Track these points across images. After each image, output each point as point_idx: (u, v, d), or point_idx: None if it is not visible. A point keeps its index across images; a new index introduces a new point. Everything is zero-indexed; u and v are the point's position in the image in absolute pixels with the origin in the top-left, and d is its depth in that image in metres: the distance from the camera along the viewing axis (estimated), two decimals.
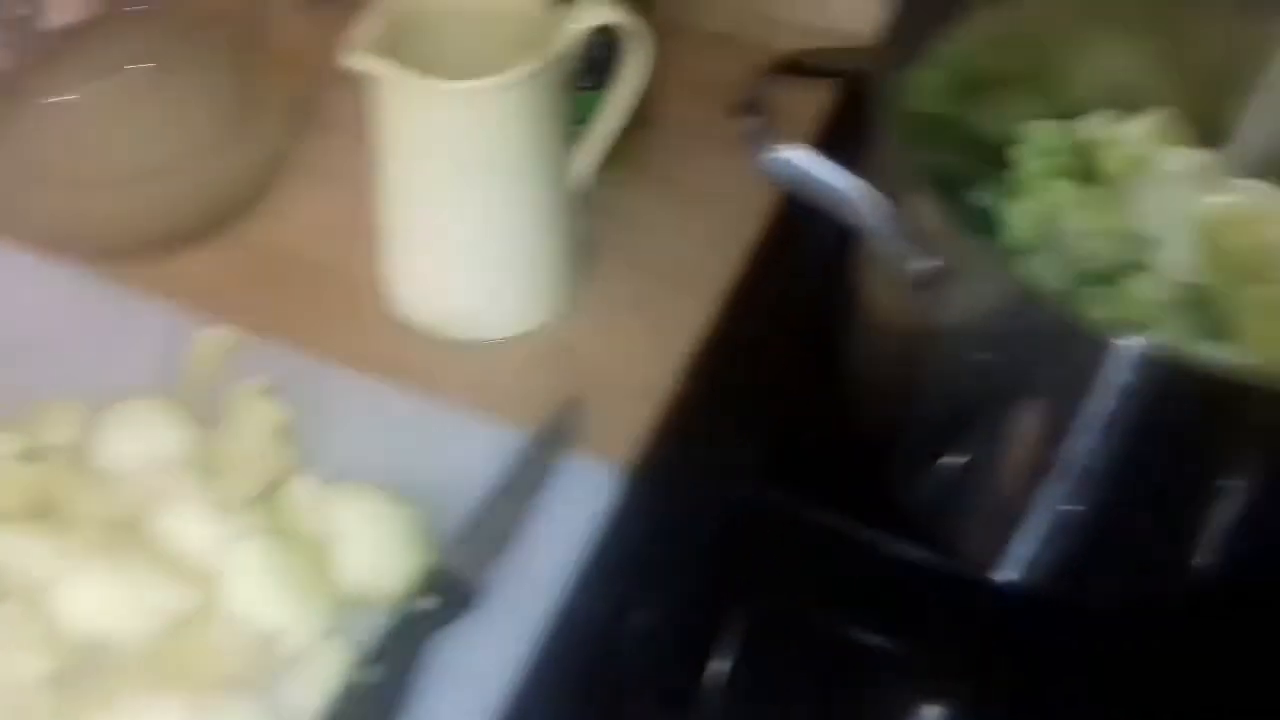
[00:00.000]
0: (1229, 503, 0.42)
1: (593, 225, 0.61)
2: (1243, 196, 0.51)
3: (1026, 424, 0.43)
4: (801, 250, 0.58)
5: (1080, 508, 0.43)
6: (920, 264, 0.40)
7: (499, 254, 0.54)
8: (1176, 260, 0.51)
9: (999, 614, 0.49)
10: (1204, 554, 0.45)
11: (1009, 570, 0.48)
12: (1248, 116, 0.54)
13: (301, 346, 0.57)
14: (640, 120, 0.64)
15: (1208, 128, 0.55)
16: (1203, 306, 0.51)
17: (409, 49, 0.50)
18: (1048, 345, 0.39)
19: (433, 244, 0.55)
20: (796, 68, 0.46)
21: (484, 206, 0.52)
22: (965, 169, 0.58)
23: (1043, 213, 0.54)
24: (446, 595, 0.49)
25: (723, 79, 0.69)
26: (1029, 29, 0.51)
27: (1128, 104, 0.56)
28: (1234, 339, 0.50)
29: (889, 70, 0.43)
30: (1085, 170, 0.56)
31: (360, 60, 0.46)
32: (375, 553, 0.49)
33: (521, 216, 0.53)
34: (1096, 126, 0.55)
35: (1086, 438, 0.40)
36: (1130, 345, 0.37)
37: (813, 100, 0.64)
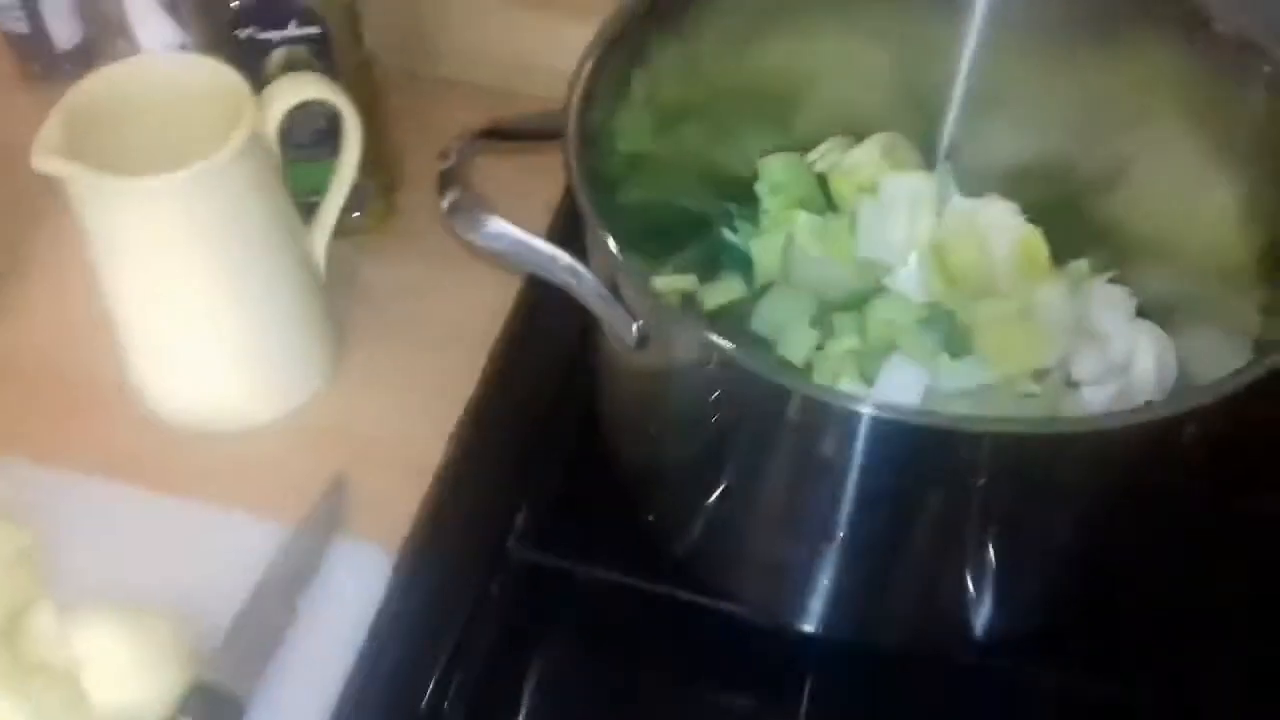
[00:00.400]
0: (980, 552, 0.43)
1: (346, 293, 0.60)
2: (964, 216, 0.53)
3: (764, 478, 0.43)
4: (558, 308, 0.57)
5: (833, 557, 0.44)
6: (632, 327, 0.40)
7: (238, 341, 0.52)
8: (911, 282, 0.53)
9: (787, 659, 0.49)
10: (978, 603, 0.45)
11: (791, 616, 0.48)
12: (959, 130, 0.57)
13: (44, 458, 0.54)
14: (391, 181, 0.63)
15: (929, 147, 0.58)
16: (942, 324, 0.53)
17: (107, 138, 0.47)
18: (758, 405, 0.39)
19: (168, 338, 0.52)
20: (496, 134, 0.45)
21: (210, 296, 0.50)
22: (715, 207, 0.59)
23: (783, 245, 0.56)
24: (212, 711, 0.47)
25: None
26: (719, 55, 0.52)
27: (857, 129, 0.58)
28: (974, 352, 0.52)
29: (580, 123, 0.43)
30: (821, 200, 0.58)
31: (46, 162, 0.44)
32: (131, 675, 0.46)
33: (254, 300, 0.51)
34: (827, 155, 0.57)
35: (816, 492, 0.41)
36: (829, 401, 0.38)
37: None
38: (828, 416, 0.37)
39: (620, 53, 0.48)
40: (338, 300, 0.59)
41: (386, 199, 0.62)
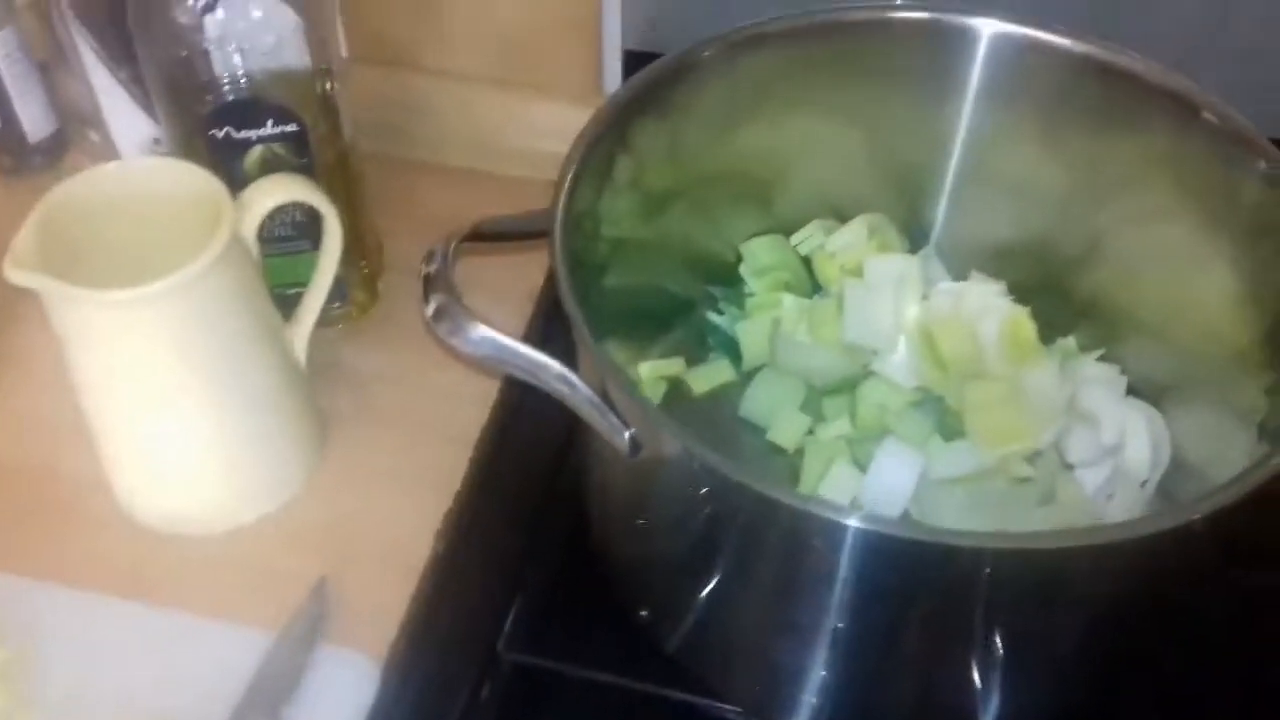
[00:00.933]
0: (976, 655, 0.42)
1: (329, 383, 0.59)
2: (951, 298, 0.53)
3: (755, 580, 0.42)
4: (546, 399, 0.57)
5: (827, 658, 0.43)
6: (625, 435, 0.39)
7: (219, 445, 0.51)
8: (900, 367, 0.53)
9: None
10: (976, 703, 0.45)
11: (785, 716, 0.47)
12: (944, 209, 0.57)
13: (22, 564, 0.52)
14: (372, 269, 0.62)
15: (914, 226, 0.58)
16: (934, 406, 0.53)
17: (83, 244, 0.47)
18: (747, 513, 0.38)
19: (146, 444, 0.51)
20: (481, 236, 0.45)
21: (189, 402, 0.49)
22: (700, 291, 0.59)
23: (769, 330, 0.55)
24: None
25: (461, 214, 0.70)
26: (702, 139, 0.52)
27: (841, 210, 0.58)
28: (965, 435, 0.52)
29: (566, 231, 0.42)
30: (806, 282, 0.58)
31: (18, 275, 0.43)
32: None
33: (234, 404, 0.50)
34: (812, 237, 0.57)
35: (808, 596, 0.40)
36: (817, 513, 0.37)
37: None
38: (816, 528, 0.36)
39: (604, 144, 0.48)
40: (320, 390, 0.58)
41: (369, 287, 0.62)
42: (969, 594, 0.39)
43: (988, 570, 0.37)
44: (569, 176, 0.44)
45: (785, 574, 0.40)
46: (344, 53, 0.71)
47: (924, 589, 0.39)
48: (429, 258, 0.43)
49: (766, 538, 0.39)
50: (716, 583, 0.44)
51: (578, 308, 0.39)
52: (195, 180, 0.47)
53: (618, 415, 0.39)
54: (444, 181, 0.70)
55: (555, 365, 0.40)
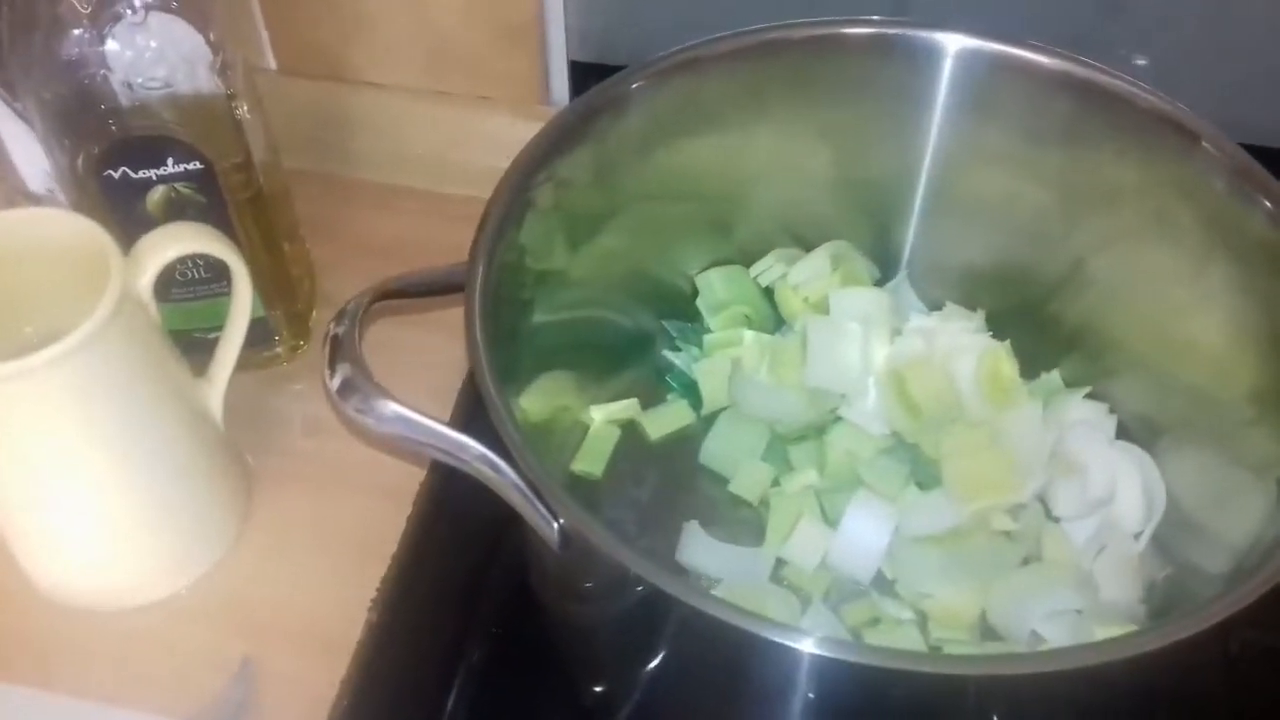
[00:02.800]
0: None
1: (254, 435, 0.54)
2: (923, 335, 0.49)
3: (701, 680, 0.38)
4: None
5: None
6: (554, 527, 0.35)
7: (128, 515, 0.46)
8: (869, 412, 0.49)
9: None
10: None
11: None
12: (915, 234, 0.52)
13: None
14: (300, 308, 0.58)
15: (883, 252, 0.53)
16: (907, 455, 0.49)
17: None
18: (683, 621, 0.34)
19: (47, 518, 0.46)
20: (395, 294, 0.40)
21: (89, 472, 0.44)
22: (654, 326, 0.54)
23: (729, 370, 0.51)
24: None
25: (402, 239, 0.65)
26: (640, 160, 0.47)
27: (804, 237, 0.54)
28: (939, 483, 0.48)
29: (486, 276, 0.38)
30: (768, 315, 0.53)
31: None
32: None
33: (141, 470, 0.45)
34: (772, 268, 0.52)
35: (758, 702, 0.36)
36: (757, 634, 0.32)
37: None
38: (761, 648, 0.32)
39: (536, 180, 0.43)
40: (246, 443, 0.53)
41: (298, 326, 0.57)
42: (929, 705, 0.34)
43: (949, 688, 0.33)
44: (491, 224, 0.40)
45: (733, 675, 0.36)
46: (271, 65, 0.67)
47: (882, 701, 0.34)
48: (338, 317, 0.39)
49: (710, 642, 0.34)
50: (664, 668, 0.40)
51: (498, 397, 0.34)
52: (82, 233, 0.43)
53: (546, 505, 0.35)
54: (385, 203, 0.65)
55: (476, 447, 0.35)
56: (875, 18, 0.45)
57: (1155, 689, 0.44)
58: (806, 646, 0.31)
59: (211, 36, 0.47)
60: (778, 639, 0.31)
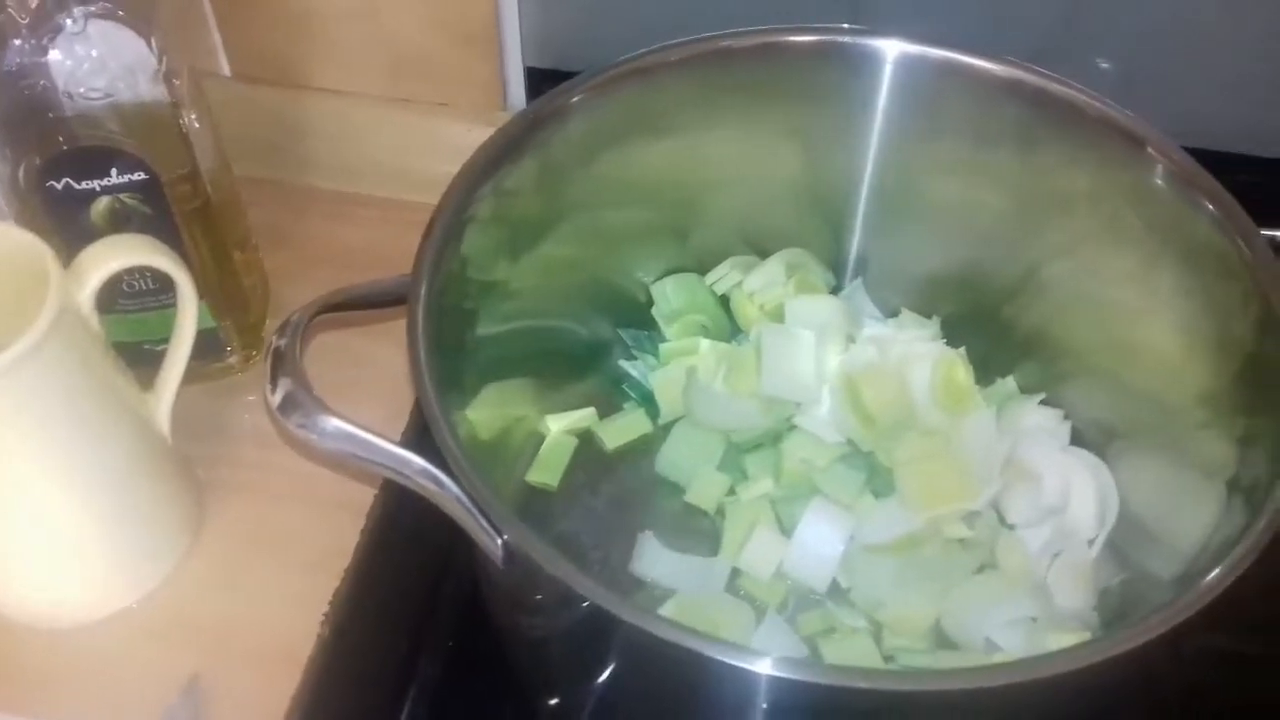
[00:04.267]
0: None
1: (205, 447, 0.53)
2: (877, 344, 0.49)
3: (655, 694, 0.38)
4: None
5: None
6: (497, 543, 0.35)
7: (71, 532, 0.46)
8: (824, 420, 0.48)
9: None
10: None
11: None
12: (865, 240, 0.52)
13: None
14: (252, 318, 0.57)
15: (838, 259, 0.53)
16: (863, 462, 0.48)
17: None
18: (628, 637, 0.34)
19: None
20: (339, 306, 0.40)
21: (30, 488, 0.43)
22: (610, 334, 0.54)
23: (685, 380, 0.50)
24: None
25: (357, 247, 0.64)
26: (589, 168, 0.47)
27: (759, 244, 0.53)
28: (893, 491, 0.47)
29: (430, 290, 0.37)
30: (724, 323, 0.53)
31: None
32: None
33: (86, 486, 0.45)
34: (727, 275, 0.52)
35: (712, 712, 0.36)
36: (704, 656, 0.32)
37: None
38: (711, 668, 0.32)
39: (481, 192, 0.43)
40: (197, 456, 0.52)
41: (249, 337, 0.56)
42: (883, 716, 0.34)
43: (904, 705, 0.33)
44: (436, 235, 0.40)
45: (681, 691, 0.35)
46: (225, 71, 0.66)
47: (831, 713, 0.34)
48: (280, 330, 0.38)
49: (657, 659, 0.34)
50: (615, 682, 0.39)
51: (438, 409, 0.34)
52: (20, 245, 0.42)
53: (489, 521, 0.34)
54: (342, 212, 0.64)
55: (418, 461, 0.35)
56: (819, 25, 0.45)
57: (1108, 694, 0.44)
58: (754, 666, 0.30)
59: (154, 44, 0.46)
60: (723, 658, 0.30)
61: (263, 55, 0.64)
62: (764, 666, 0.31)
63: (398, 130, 0.64)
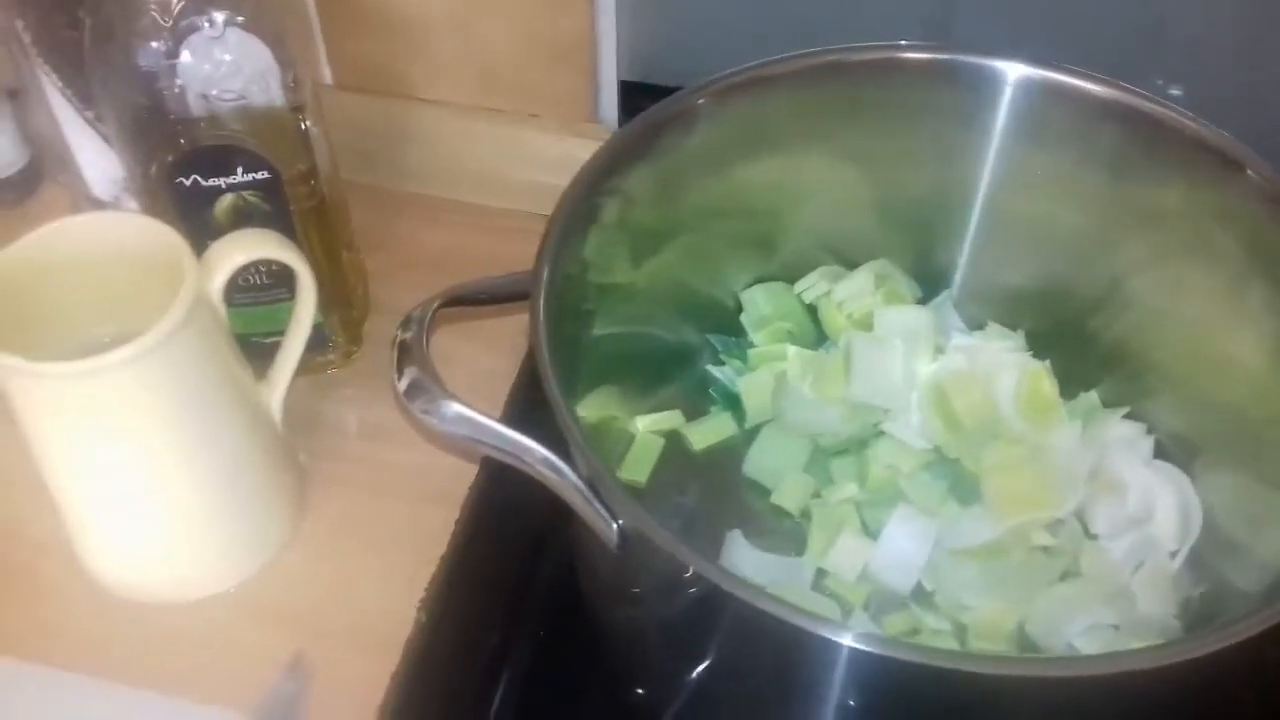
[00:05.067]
0: None
1: (308, 439, 0.55)
2: (965, 354, 0.50)
3: (748, 679, 0.39)
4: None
5: None
6: (613, 528, 0.36)
7: (188, 513, 0.48)
8: (911, 427, 0.50)
9: None
10: None
11: None
12: (964, 257, 0.53)
13: None
14: (355, 315, 0.59)
15: (925, 272, 0.55)
16: (948, 470, 0.49)
17: (35, 307, 0.44)
18: (738, 617, 0.35)
19: (110, 513, 0.48)
20: (460, 300, 0.42)
21: (154, 469, 0.46)
22: (698, 340, 0.55)
23: (773, 385, 0.52)
24: None
25: (452, 252, 0.67)
26: (696, 179, 0.48)
27: (847, 256, 0.55)
28: (983, 499, 0.48)
29: (550, 310, 0.39)
30: (812, 331, 0.54)
31: None
32: None
33: (204, 469, 0.47)
34: (816, 285, 0.53)
35: (800, 700, 0.37)
36: (810, 630, 0.33)
37: None
38: (809, 643, 0.33)
39: (596, 194, 0.45)
40: (300, 445, 0.55)
41: (352, 333, 0.58)
42: (971, 708, 0.35)
43: (991, 690, 0.34)
44: (554, 235, 0.41)
45: (780, 677, 0.37)
46: (328, 80, 0.69)
47: (923, 704, 0.35)
48: (405, 323, 0.40)
49: (761, 643, 0.35)
50: (711, 670, 0.41)
51: (563, 402, 0.36)
52: (156, 237, 0.44)
53: (605, 506, 0.36)
54: (435, 216, 0.67)
55: (539, 449, 0.37)
56: (932, 43, 0.46)
57: (1186, 706, 0.44)
58: (857, 643, 0.32)
59: (282, 52, 0.49)
60: (831, 635, 0.32)
61: (363, 65, 0.66)
62: (872, 645, 0.32)
63: (489, 139, 0.66)
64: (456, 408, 0.37)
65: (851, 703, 0.38)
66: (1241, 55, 0.52)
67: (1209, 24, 0.51)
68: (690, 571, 0.33)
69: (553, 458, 0.37)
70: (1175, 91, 0.53)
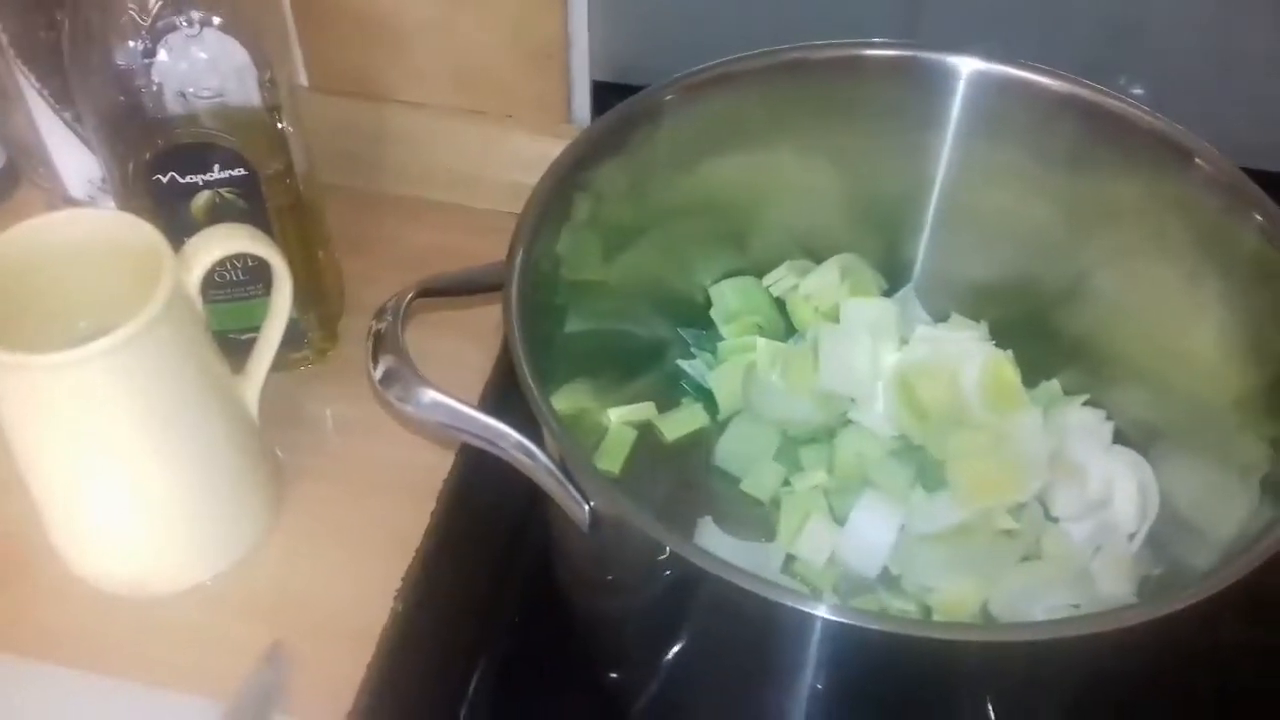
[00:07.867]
0: None
1: (285, 433, 0.56)
2: (930, 343, 0.51)
3: (722, 659, 0.40)
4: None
5: None
6: (584, 509, 0.37)
7: (166, 505, 0.48)
8: (878, 415, 0.51)
9: None
10: None
11: None
12: (923, 248, 0.55)
13: None
14: (331, 311, 0.60)
15: (891, 265, 0.56)
16: (914, 457, 0.51)
17: (13, 301, 0.44)
18: (711, 596, 0.36)
19: (88, 506, 0.48)
20: (434, 291, 0.43)
21: (131, 461, 0.46)
22: (670, 334, 0.56)
23: (743, 376, 0.53)
24: None
25: (426, 251, 0.67)
26: (665, 176, 0.49)
27: (814, 250, 0.56)
28: (947, 487, 0.50)
29: (522, 291, 0.40)
30: (780, 324, 0.56)
31: None
32: None
33: (180, 461, 0.48)
34: (784, 279, 0.54)
35: (775, 677, 0.38)
36: (784, 603, 0.34)
37: None
38: (784, 616, 0.34)
39: (566, 190, 0.46)
40: (277, 440, 0.55)
41: (328, 330, 0.59)
42: (942, 680, 0.36)
43: (961, 659, 0.35)
44: (527, 224, 0.42)
45: (753, 654, 0.38)
46: (304, 82, 0.70)
47: (896, 675, 0.37)
48: (379, 314, 0.41)
49: (735, 620, 0.36)
50: (685, 651, 0.42)
51: (534, 383, 0.37)
52: (134, 232, 0.45)
53: (577, 488, 0.37)
54: (409, 215, 0.68)
55: (513, 434, 0.38)
56: (893, 40, 0.47)
57: (1144, 676, 0.45)
58: (830, 614, 0.33)
59: (259, 53, 0.49)
60: (803, 608, 0.33)
61: (339, 67, 0.67)
62: (845, 615, 0.33)
63: (466, 140, 0.67)
64: (432, 394, 0.38)
65: (823, 681, 0.39)
66: (1206, 57, 0.53)
67: (1172, 27, 0.52)
68: (663, 551, 0.34)
69: (526, 442, 0.38)
70: (1137, 91, 0.54)
